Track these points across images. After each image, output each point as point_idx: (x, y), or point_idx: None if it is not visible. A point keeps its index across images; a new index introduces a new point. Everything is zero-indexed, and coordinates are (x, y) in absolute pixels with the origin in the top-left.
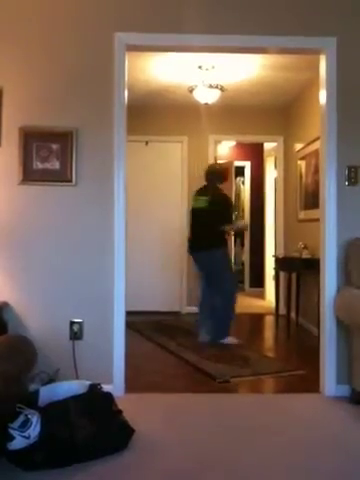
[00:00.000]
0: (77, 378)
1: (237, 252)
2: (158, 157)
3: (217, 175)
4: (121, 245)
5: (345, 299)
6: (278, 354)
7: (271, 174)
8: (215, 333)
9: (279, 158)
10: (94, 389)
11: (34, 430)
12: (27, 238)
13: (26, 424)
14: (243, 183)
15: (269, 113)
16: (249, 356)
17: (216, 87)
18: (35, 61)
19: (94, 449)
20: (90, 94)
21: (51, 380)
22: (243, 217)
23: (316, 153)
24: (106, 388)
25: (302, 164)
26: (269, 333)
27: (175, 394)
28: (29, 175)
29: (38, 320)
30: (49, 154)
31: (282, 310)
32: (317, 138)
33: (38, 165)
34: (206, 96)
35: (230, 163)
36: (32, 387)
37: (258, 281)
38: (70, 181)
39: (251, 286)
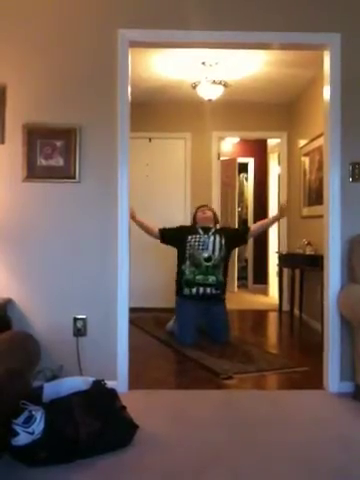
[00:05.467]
0: (81, 374)
1: (240, 248)
2: (161, 154)
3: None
4: (124, 241)
5: (349, 296)
6: (281, 350)
7: (275, 170)
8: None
9: (283, 154)
10: (98, 385)
11: (38, 426)
12: (31, 235)
13: (30, 420)
14: (246, 179)
15: (273, 109)
16: (252, 352)
17: (219, 83)
18: (38, 58)
19: (98, 445)
20: (94, 91)
21: (55, 376)
22: (246, 214)
23: (320, 149)
24: (110, 384)
25: (306, 160)
26: (272, 329)
27: (178, 390)
28: (33, 172)
29: (42, 316)
30: (53, 151)
31: (285, 307)
32: (321, 134)
33: (42, 162)
34: (209, 92)
35: (233, 160)
36: (36, 383)
37: (261, 278)
38: (74, 178)
39: (254, 282)
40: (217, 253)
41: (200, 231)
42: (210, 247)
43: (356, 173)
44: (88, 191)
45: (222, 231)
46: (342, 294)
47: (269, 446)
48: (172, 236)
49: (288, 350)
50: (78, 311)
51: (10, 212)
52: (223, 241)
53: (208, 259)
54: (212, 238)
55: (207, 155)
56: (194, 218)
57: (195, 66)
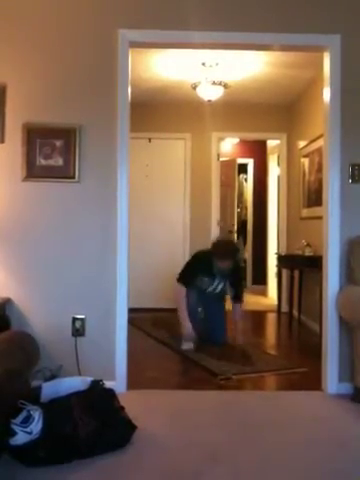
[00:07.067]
0: (79, 374)
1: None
2: (161, 154)
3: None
4: (124, 241)
5: (348, 297)
6: (280, 351)
7: (274, 171)
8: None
9: (282, 155)
10: (96, 385)
11: (36, 426)
12: (30, 234)
13: (28, 420)
14: (246, 180)
15: (272, 110)
16: (251, 353)
17: (219, 84)
18: (39, 58)
19: (96, 445)
20: (93, 91)
21: (53, 376)
22: (246, 214)
23: (319, 151)
24: (108, 384)
25: (305, 162)
26: (271, 330)
27: (177, 391)
28: (32, 172)
29: (41, 316)
30: (52, 151)
31: (284, 308)
32: (320, 136)
33: (41, 162)
34: (209, 93)
35: (233, 160)
36: (35, 383)
37: (260, 278)
38: (73, 178)
39: (253, 283)
40: (220, 287)
41: (211, 276)
42: (217, 289)
43: (355, 174)
44: (87, 191)
45: (230, 276)
46: (341, 295)
47: (268, 446)
48: (190, 282)
49: (287, 351)
50: (77, 311)
51: (9, 211)
52: (227, 283)
53: (211, 292)
54: (221, 282)
55: (207, 156)
56: (214, 253)
57: (195, 67)
